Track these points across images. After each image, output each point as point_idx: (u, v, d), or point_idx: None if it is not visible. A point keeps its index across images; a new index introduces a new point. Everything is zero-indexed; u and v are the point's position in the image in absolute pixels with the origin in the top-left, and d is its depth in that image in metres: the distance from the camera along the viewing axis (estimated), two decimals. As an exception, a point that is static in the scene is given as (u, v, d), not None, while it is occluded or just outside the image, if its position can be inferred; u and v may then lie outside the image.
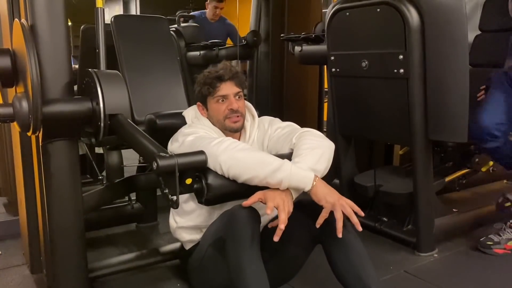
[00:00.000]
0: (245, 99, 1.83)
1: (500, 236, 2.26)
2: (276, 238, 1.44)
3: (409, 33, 2.03)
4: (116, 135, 1.55)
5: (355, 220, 1.50)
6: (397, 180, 2.50)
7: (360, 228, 1.51)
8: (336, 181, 2.70)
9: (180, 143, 1.62)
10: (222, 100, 1.74)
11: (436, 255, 2.24)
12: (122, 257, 2.10)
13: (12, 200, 2.57)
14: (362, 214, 1.51)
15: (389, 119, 2.25)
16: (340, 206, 1.49)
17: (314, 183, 1.49)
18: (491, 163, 2.71)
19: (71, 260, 1.69)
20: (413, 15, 2.03)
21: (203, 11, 4.48)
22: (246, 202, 1.49)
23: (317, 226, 1.52)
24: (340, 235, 1.48)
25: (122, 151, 2.70)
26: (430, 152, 2.21)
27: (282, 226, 1.43)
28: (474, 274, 2.08)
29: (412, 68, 2.05)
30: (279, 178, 1.45)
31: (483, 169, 2.70)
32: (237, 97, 1.75)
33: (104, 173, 2.70)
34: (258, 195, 1.48)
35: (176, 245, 2.05)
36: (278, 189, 1.48)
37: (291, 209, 1.48)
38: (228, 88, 1.74)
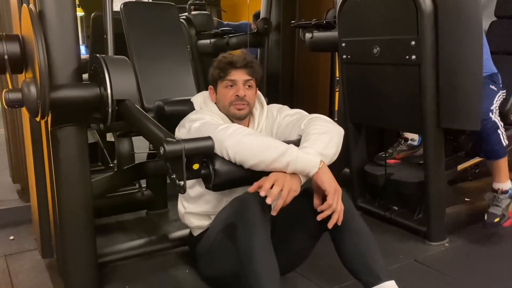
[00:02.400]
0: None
1: (499, 206, 2.23)
2: (274, 213, 1.46)
3: (422, 18, 1.99)
4: (124, 120, 1.56)
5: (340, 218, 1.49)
6: (408, 168, 2.47)
7: (330, 226, 1.50)
8: (347, 170, 2.68)
9: (187, 129, 1.62)
10: (231, 86, 1.73)
11: (447, 245, 2.22)
12: (132, 243, 2.12)
13: (25, 186, 2.61)
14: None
15: (401, 106, 2.22)
16: (338, 196, 1.49)
17: (320, 166, 1.48)
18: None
19: (80, 245, 1.71)
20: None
21: (246, 22, 4.49)
22: (257, 185, 1.45)
23: (319, 209, 1.50)
24: (331, 226, 1.48)
25: (134, 140, 2.71)
26: (442, 140, 2.18)
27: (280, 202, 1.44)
28: (485, 263, 2.05)
29: (424, 54, 2.01)
30: (285, 162, 1.44)
31: (497, 158, 2.65)
32: (246, 85, 1.74)
33: (115, 161, 2.72)
34: (272, 178, 1.44)
35: (185, 231, 2.06)
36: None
37: (297, 191, 1.47)
38: (238, 75, 1.73)
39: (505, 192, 2.24)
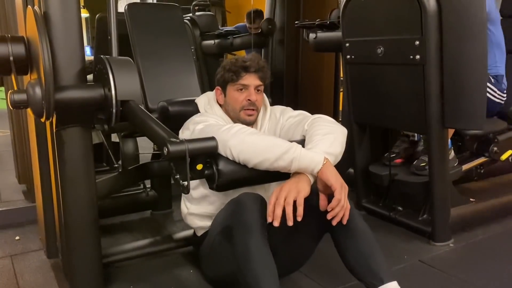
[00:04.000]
0: None
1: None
2: (289, 223, 1.42)
3: (426, 18, 1.98)
4: (128, 121, 1.56)
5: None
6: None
7: (334, 223, 1.49)
8: (351, 170, 2.67)
9: (191, 131, 1.62)
10: (242, 90, 1.74)
11: (451, 245, 2.21)
12: (136, 243, 2.13)
13: (31, 187, 2.62)
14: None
15: (405, 106, 2.21)
16: (345, 192, 1.47)
17: (325, 162, 1.47)
18: (510, 151, 2.65)
19: (85, 246, 1.72)
20: (430, -1, 1.98)
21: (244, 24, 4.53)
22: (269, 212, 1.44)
23: (328, 208, 1.48)
24: (335, 223, 1.47)
25: (139, 141, 2.72)
26: (446, 140, 2.17)
27: (299, 209, 1.42)
28: (490, 264, 2.04)
29: (428, 54, 2.01)
30: (289, 159, 1.44)
31: (502, 158, 2.64)
32: (257, 90, 1.76)
33: (120, 162, 2.73)
34: (274, 194, 1.44)
35: (190, 231, 2.07)
36: (292, 180, 1.46)
37: (306, 192, 1.45)
38: (251, 80, 1.74)
39: None
